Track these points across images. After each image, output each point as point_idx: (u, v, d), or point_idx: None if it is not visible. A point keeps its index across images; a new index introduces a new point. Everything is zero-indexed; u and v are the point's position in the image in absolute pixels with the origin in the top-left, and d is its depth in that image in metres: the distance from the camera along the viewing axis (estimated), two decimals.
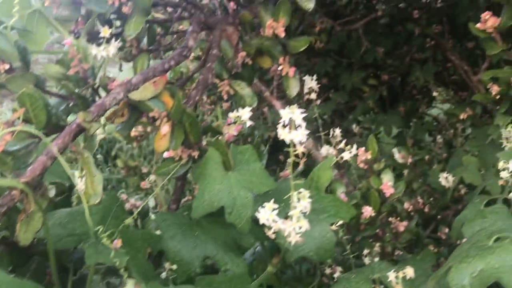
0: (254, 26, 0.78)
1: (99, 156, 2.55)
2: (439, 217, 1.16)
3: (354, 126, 1.93)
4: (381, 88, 2.01)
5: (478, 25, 0.83)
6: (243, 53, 0.78)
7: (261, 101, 2.03)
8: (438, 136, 1.69)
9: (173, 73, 1.15)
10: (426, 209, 1.23)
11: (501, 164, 0.80)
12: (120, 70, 0.90)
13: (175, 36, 0.87)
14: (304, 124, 0.56)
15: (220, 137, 0.67)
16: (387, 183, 0.81)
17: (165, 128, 0.63)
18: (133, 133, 0.71)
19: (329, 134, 0.95)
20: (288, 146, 0.57)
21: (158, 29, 0.80)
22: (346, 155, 0.76)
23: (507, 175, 0.80)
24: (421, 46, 1.81)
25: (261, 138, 2.21)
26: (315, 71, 2.03)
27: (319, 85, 2.28)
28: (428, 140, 1.92)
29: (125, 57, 0.75)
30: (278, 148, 1.27)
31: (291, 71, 0.78)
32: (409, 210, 1.25)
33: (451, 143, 1.54)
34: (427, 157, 1.49)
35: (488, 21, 0.81)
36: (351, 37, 1.94)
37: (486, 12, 0.82)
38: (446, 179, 1.21)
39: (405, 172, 1.20)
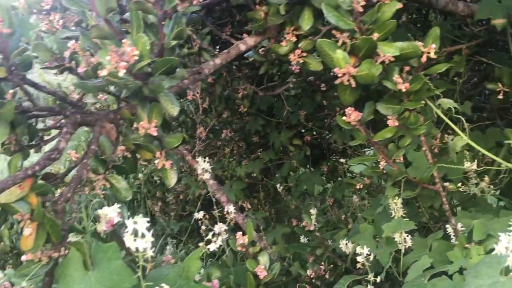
0: (133, 122, 0.84)
1: None
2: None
3: (278, 185, 2.00)
4: (305, 148, 2.12)
5: (343, 118, 0.93)
6: (122, 147, 0.83)
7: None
8: (354, 196, 1.79)
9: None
10: (327, 276, 1.30)
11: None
12: None
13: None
14: (148, 233, 0.61)
15: (84, 236, 0.71)
16: (261, 266, 0.87)
17: (28, 230, 0.67)
18: None
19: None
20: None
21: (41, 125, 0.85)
22: (212, 247, 0.81)
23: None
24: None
25: (193, 196, 2.26)
26: (246, 129, 2.12)
27: (249, 144, 2.35)
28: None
29: (5, 152, 0.78)
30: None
31: (168, 164, 0.83)
32: (312, 277, 1.31)
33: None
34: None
35: (352, 115, 0.91)
36: (278, 99, 2.05)
37: (349, 108, 0.91)
38: (346, 246, 1.28)
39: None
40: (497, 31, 1.12)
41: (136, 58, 0.65)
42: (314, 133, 2.07)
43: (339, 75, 0.75)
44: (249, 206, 2.02)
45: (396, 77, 0.82)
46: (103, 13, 0.69)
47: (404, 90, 0.82)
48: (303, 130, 2.11)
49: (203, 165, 1.03)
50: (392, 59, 0.76)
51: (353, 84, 0.75)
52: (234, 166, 2.21)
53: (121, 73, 0.64)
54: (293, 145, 2.10)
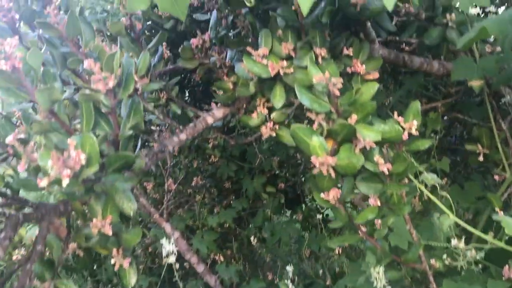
0: (86, 215, 0.74)
1: None
2: None
3: (252, 237, 1.91)
4: (279, 196, 2.04)
5: (322, 195, 0.85)
6: (74, 245, 0.73)
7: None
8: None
9: None
10: None
11: None
12: None
13: None
14: None
15: None
16: None
17: None
18: None
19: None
20: None
21: None
22: None
23: None
24: None
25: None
26: (218, 175, 2.03)
27: (221, 190, 2.25)
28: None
29: None
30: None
31: (126, 262, 0.73)
32: None
33: None
34: None
35: (331, 193, 0.83)
36: (250, 144, 1.98)
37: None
38: None
39: None
40: (473, 91, 1.08)
41: (83, 163, 0.55)
42: (288, 178, 2.01)
43: (317, 164, 0.68)
44: (222, 259, 1.93)
45: (377, 158, 0.75)
46: (47, 106, 0.60)
47: (387, 172, 0.75)
48: (277, 173, 2.04)
49: (168, 247, 0.93)
50: (373, 145, 0.69)
51: (333, 174, 0.68)
52: (206, 215, 2.11)
53: (65, 182, 0.54)
54: (266, 192, 2.02)
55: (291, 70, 0.76)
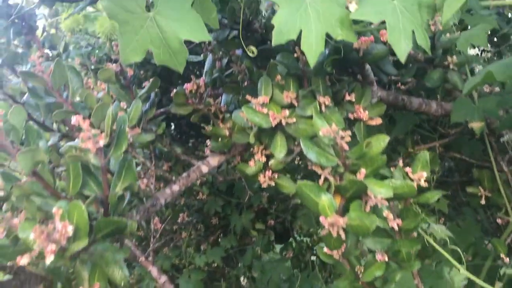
0: (71, 281, 0.67)
1: None
2: None
3: (242, 278, 1.84)
4: (268, 232, 1.98)
5: (325, 249, 0.80)
6: None
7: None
8: None
9: None
10: None
11: None
12: None
13: None
14: None
15: None
16: None
17: None
18: None
19: None
20: None
21: None
22: None
23: None
24: None
25: None
26: (205, 211, 1.96)
27: (208, 226, 2.17)
28: None
29: None
30: None
31: None
32: None
33: None
34: None
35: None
36: (239, 179, 1.92)
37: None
38: None
39: None
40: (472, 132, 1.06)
41: (70, 235, 0.49)
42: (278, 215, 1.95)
43: (326, 225, 0.63)
44: None
45: (386, 213, 0.70)
46: (29, 169, 0.54)
47: (397, 228, 0.70)
48: (266, 208, 1.98)
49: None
50: (385, 202, 0.64)
51: (343, 236, 0.63)
52: (193, 253, 2.02)
53: (49, 259, 0.48)
54: (255, 229, 1.96)
55: (294, 120, 0.72)
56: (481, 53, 1.07)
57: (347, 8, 0.62)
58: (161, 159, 1.64)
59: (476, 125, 1.02)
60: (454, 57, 0.93)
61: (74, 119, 0.57)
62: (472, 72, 1.12)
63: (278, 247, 2.14)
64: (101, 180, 0.59)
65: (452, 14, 0.59)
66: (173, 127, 1.84)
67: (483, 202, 1.07)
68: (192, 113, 0.86)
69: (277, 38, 0.58)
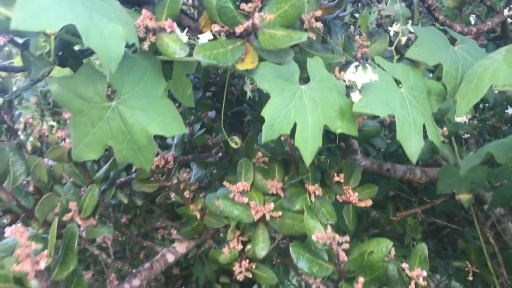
0: None
1: None
2: None
3: None
4: (234, 286, 1.85)
5: None
6: None
7: None
8: None
9: None
10: None
11: None
12: None
13: None
14: None
15: None
16: None
17: None
18: None
19: None
20: None
21: None
22: None
23: None
24: None
25: None
26: None
27: (169, 277, 2.01)
28: None
29: None
30: None
31: None
32: None
33: None
34: None
35: None
36: None
37: None
38: None
39: None
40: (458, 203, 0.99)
41: None
42: None
43: None
44: None
45: None
46: None
47: None
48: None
49: None
50: None
51: None
52: None
53: None
54: (220, 283, 1.82)
55: (279, 213, 0.61)
56: (469, 121, 1.02)
57: (347, 95, 0.53)
58: (119, 211, 1.51)
59: (464, 197, 0.95)
60: (445, 128, 0.87)
61: (9, 231, 0.45)
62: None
63: None
64: None
65: (468, 108, 0.51)
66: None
67: (470, 278, 1.00)
68: (158, 191, 0.74)
69: (268, 133, 0.48)
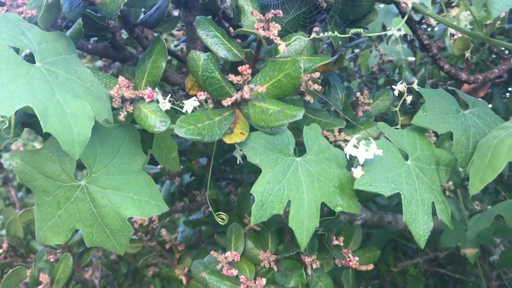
0: None
1: None
2: None
3: None
4: None
5: None
6: None
7: None
8: None
9: None
10: None
11: None
12: None
13: None
14: None
15: None
16: None
17: None
18: None
19: None
20: None
21: None
22: None
23: None
24: None
25: None
26: None
27: None
28: None
29: None
30: None
31: None
32: None
33: None
34: None
35: None
36: None
37: None
38: None
39: None
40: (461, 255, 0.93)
41: None
42: None
43: None
44: None
45: None
46: None
47: None
48: None
49: None
50: None
51: None
52: None
53: None
54: None
55: None
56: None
57: (346, 167, 0.48)
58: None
59: (470, 252, 0.90)
60: (450, 182, 0.81)
61: None
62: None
63: None
64: None
65: (482, 186, 0.46)
66: None
67: None
68: (141, 252, 0.69)
69: (257, 214, 0.42)
